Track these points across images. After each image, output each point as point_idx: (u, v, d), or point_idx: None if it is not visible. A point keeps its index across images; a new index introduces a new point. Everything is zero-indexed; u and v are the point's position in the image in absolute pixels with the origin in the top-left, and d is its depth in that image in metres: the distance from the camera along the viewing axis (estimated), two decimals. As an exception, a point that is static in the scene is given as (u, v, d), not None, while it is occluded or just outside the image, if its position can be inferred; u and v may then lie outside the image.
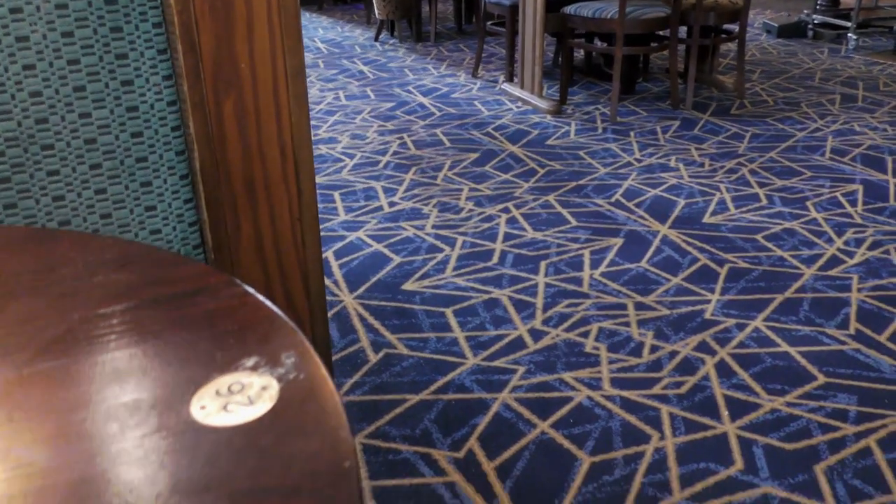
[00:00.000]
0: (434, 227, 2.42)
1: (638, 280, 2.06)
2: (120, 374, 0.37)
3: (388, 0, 5.27)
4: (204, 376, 0.37)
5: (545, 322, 1.87)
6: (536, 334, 1.82)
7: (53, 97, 1.08)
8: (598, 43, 4.19)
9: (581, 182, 2.77)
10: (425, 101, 3.91)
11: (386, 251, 2.26)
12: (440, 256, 2.22)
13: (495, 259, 2.20)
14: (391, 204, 2.61)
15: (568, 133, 3.34)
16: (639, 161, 2.98)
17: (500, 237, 2.33)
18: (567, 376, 1.66)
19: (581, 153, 3.08)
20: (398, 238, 2.34)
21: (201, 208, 1.16)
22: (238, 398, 0.35)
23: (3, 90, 1.05)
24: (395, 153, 3.12)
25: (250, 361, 0.37)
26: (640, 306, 1.94)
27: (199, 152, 1.04)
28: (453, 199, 2.64)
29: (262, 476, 0.30)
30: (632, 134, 3.30)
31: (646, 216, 2.47)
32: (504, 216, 2.48)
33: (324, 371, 0.37)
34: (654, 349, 1.76)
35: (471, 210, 2.54)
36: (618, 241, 2.29)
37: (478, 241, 2.31)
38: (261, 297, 0.43)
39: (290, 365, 0.37)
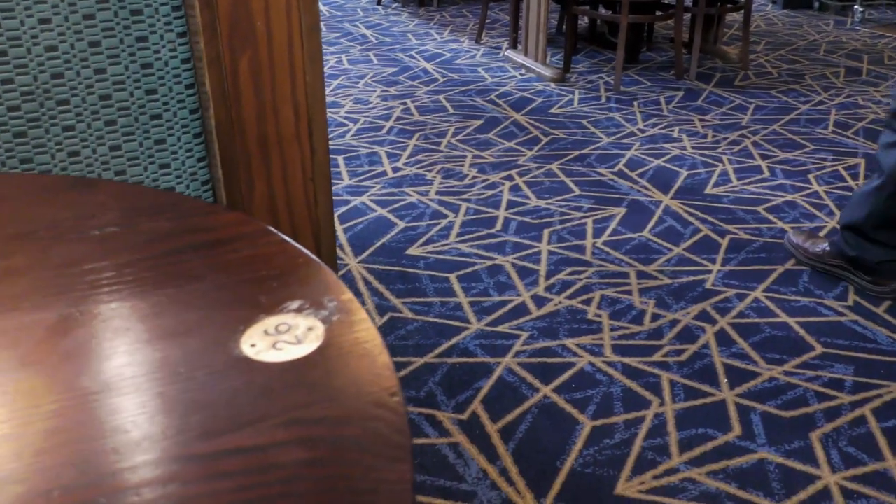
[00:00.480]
0: (438, 193, 2.42)
1: (640, 249, 2.08)
2: (169, 314, 0.39)
3: (391, -37, 5.20)
4: (251, 317, 0.38)
5: (548, 289, 1.89)
6: (539, 301, 1.84)
7: (69, 52, 1.08)
8: (602, 10, 4.16)
9: (584, 151, 2.78)
10: (428, 66, 3.89)
11: (390, 216, 2.27)
12: (444, 222, 2.23)
13: (499, 226, 2.21)
14: (395, 169, 2.61)
15: (571, 101, 3.33)
16: (642, 131, 2.98)
17: (504, 204, 2.34)
18: (569, 342, 1.69)
19: (584, 122, 3.08)
20: (402, 203, 2.35)
21: (215, 167, 1.17)
22: (286, 337, 0.36)
23: (20, 44, 1.05)
24: (398, 118, 3.11)
25: (294, 304, 0.39)
26: (641, 275, 1.96)
27: (214, 110, 1.04)
28: (457, 165, 2.64)
29: (314, 407, 0.32)
30: (635, 104, 3.30)
31: (648, 186, 2.48)
32: (507, 184, 2.49)
33: (364, 314, 0.38)
34: (655, 317, 1.78)
35: (474, 177, 2.55)
36: (620, 211, 2.31)
37: (481, 208, 2.32)
38: (298, 245, 0.44)
39: (332, 308, 0.38)
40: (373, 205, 2.34)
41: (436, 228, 2.19)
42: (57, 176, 0.52)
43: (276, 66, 1.04)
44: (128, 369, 0.35)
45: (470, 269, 1.97)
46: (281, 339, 0.36)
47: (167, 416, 0.32)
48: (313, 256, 0.43)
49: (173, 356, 0.36)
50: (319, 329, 0.37)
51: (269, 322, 0.37)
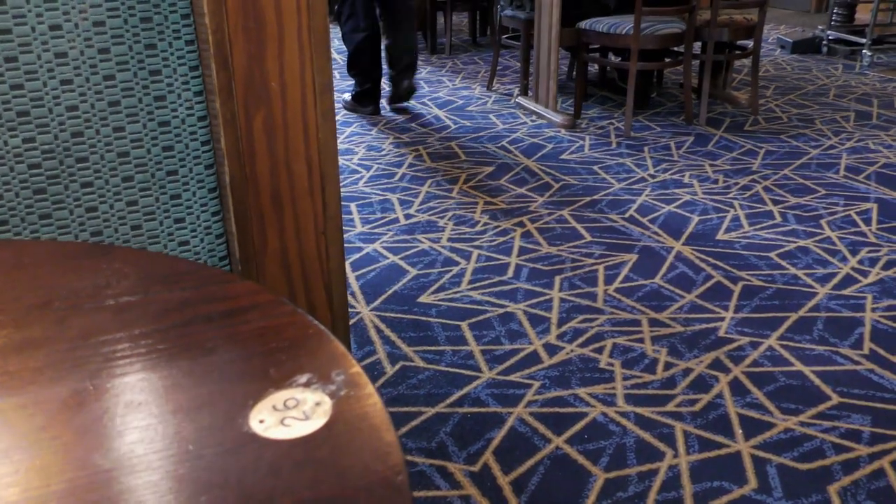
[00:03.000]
0: (449, 239, 2.44)
1: (652, 296, 2.08)
2: (181, 388, 0.40)
3: (404, 13, 5.31)
4: (260, 391, 0.39)
5: (560, 337, 1.89)
6: (551, 349, 1.84)
7: (89, 111, 1.11)
8: (612, 57, 4.22)
9: (595, 197, 2.79)
10: (440, 113, 3.94)
11: (402, 263, 2.28)
12: (455, 269, 2.24)
13: (510, 273, 2.21)
14: (407, 216, 2.63)
15: (582, 147, 3.36)
16: (653, 176, 2.99)
17: (515, 251, 2.35)
18: (582, 392, 1.68)
19: (595, 168, 3.10)
20: (414, 250, 2.36)
21: (229, 221, 1.19)
22: (294, 413, 0.37)
23: (42, 104, 1.08)
24: (410, 165, 3.15)
25: (303, 378, 0.40)
26: (654, 322, 1.95)
27: (228, 166, 1.07)
28: (468, 212, 2.66)
29: (322, 487, 0.32)
30: (646, 149, 3.32)
31: (660, 232, 2.48)
32: (519, 230, 2.50)
33: (372, 388, 0.39)
34: (668, 366, 1.77)
35: (486, 223, 2.56)
36: (632, 257, 2.31)
37: (493, 255, 2.33)
38: (308, 316, 0.45)
39: (340, 382, 0.39)
40: (385, 252, 2.36)
41: (447, 275, 2.20)
42: (73, 243, 0.53)
43: (290, 124, 1.06)
44: (139, 446, 0.36)
45: (482, 317, 1.98)
46: (289, 414, 0.37)
47: (177, 497, 0.32)
48: (323, 327, 0.44)
49: (185, 432, 0.36)
50: (327, 404, 0.38)
51: (278, 397, 0.38)
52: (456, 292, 2.11)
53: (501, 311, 2.01)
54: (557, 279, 2.17)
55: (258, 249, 1.12)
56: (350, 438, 0.35)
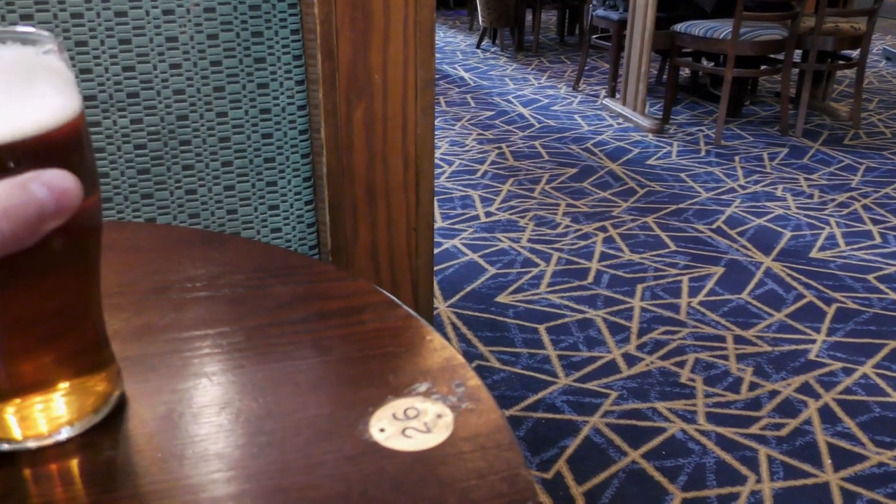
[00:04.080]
0: (530, 240, 2.41)
1: (738, 312, 2.00)
2: (299, 387, 0.39)
3: (492, 8, 5.29)
4: (380, 398, 0.37)
5: (640, 348, 1.84)
6: (630, 359, 1.79)
7: (195, 95, 1.13)
8: (704, 62, 4.09)
9: (682, 205, 2.71)
10: (525, 111, 3.90)
11: (481, 261, 2.26)
12: (535, 271, 2.21)
13: (590, 278, 2.17)
14: (488, 214, 2.61)
15: (669, 154, 3.27)
16: (743, 188, 2.89)
17: (597, 256, 2.31)
18: (661, 406, 1.63)
19: (682, 175, 3.01)
20: (494, 249, 2.34)
21: (321, 211, 1.19)
22: (415, 423, 0.36)
23: (151, 87, 1.11)
24: (493, 163, 3.13)
25: (422, 387, 0.38)
26: (739, 340, 1.88)
27: (326, 157, 1.07)
28: (550, 213, 2.63)
29: (447, 507, 0.31)
30: (736, 159, 3.21)
31: (749, 246, 2.39)
32: (601, 235, 2.45)
33: (493, 403, 0.37)
34: (753, 386, 1.70)
35: (567, 226, 2.52)
36: (718, 270, 2.23)
37: (573, 259, 2.29)
38: (424, 322, 0.44)
39: (461, 394, 0.38)
40: (465, 249, 2.34)
41: (526, 277, 2.17)
42: (186, 229, 0.54)
43: (390, 117, 1.05)
44: (257, 447, 0.35)
45: (560, 321, 1.94)
46: (410, 425, 0.35)
47: (296, 498, 0.31)
48: (439, 335, 0.43)
49: (305, 435, 0.36)
50: (448, 417, 0.36)
51: (398, 405, 0.37)
52: (534, 294, 2.08)
53: (580, 316, 1.97)
54: (639, 288, 2.12)
55: (349, 241, 1.12)
56: (474, 457, 0.34)
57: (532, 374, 1.73)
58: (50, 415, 0.36)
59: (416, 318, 0.44)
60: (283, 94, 1.16)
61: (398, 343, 0.43)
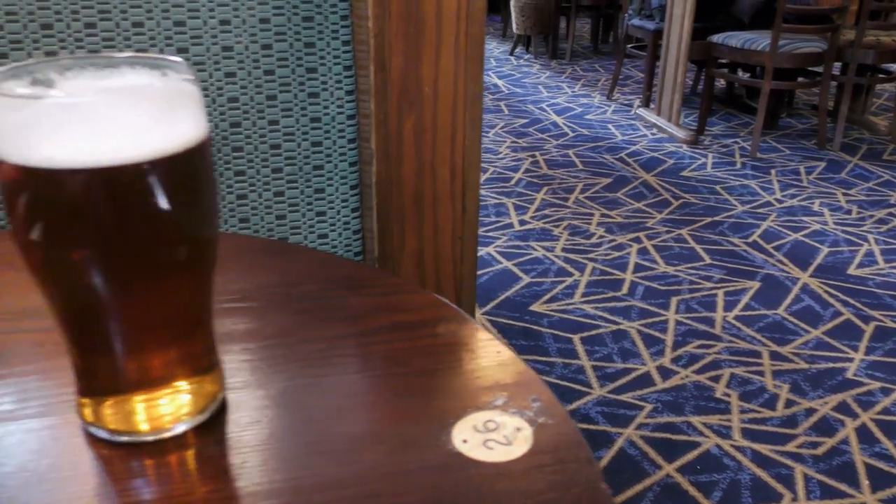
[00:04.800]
0: (564, 249, 2.41)
1: (774, 328, 1.99)
2: (382, 396, 0.40)
3: (526, 15, 5.30)
4: (459, 410, 0.39)
5: (674, 361, 1.83)
6: (665, 372, 1.79)
7: (248, 104, 1.16)
8: (741, 73, 4.06)
9: (717, 218, 2.70)
10: (559, 120, 3.91)
11: (515, 269, 2.27)
12: (569, 281, 2.21)
13: (625, 290, 2.17)
14: (521, 222, 2.62)
15: (704, 165, 3.25)
16: (779, 201, 2.86)
17: (631, 267, 2.30)
18: (695, 420, 1.63)
19: (717, 188, 3.00)
20: (528, 258, 2.35)
21: (366, 218, 1.21)
22: (495, 436, 0.37)
23: (207, 94, 1.14)
24: (526, 171, 3.14)
25: (499, 400, 0.40)
26: (775, 356, 1.87)
27: (377, 166, 1.09)
28: (584, 223, 2.63)
29: (532, 519, 0.32)
30: (773, 172, 3.18)
31: (785, 261, 2.37)
32: (635, 246, 2.45)
33: (569, 417, 0.39)
34: (789, 403, 1.69)
35: (601, 236, 2.52)
36: (754, 285, 2.22)
37: (608, 270, 2.29)
38: (493, 337, 0.45)
39: (537, 409, 0.39)
40: (499, 257, 2.36)
41: (560, 286, 2.18)
42: (257, 238, 0.56)
43: (439, 128, 1.07)
44: (344, 454, 0.37)
45: (594, 332, 1.95)
46: (491, 437, 0.37)
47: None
48: (511, 351, 0.44)
49: (390, 444, 0.37)
50: (527, 430, 0.37)
51: (478, 417, 0.38)
52: (569, 304, 2.08)
53: (615, 327, 1.97)
54: (674, 300, 2.11)
55: (396, 248, 1.14)
56: (555, 470, 0.35)
57: (567, 383, 1.73)
58: (169, 410, 0.38)
59: (486, 332, 0.45)
60: (332, 103, 1.18)
61: (470, 357, 0.44)
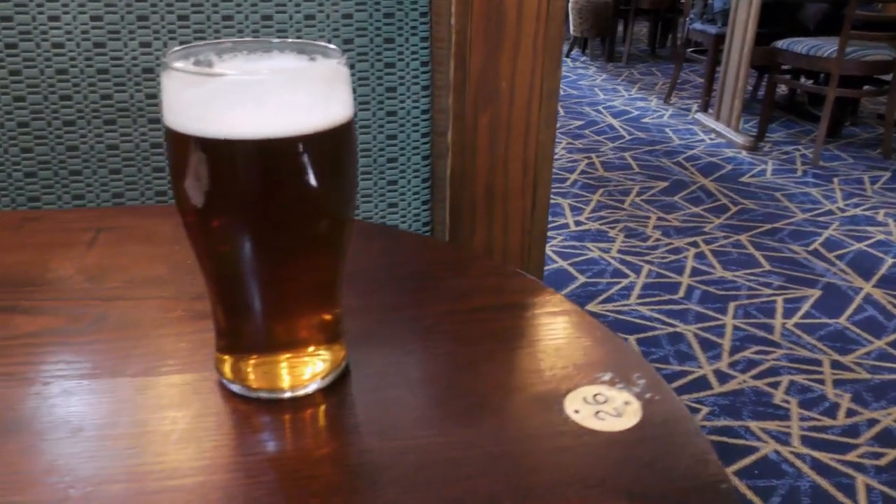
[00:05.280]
0: (620, 251, 2.41)
1: (836, 337, 1.96)
2: (494, 368, 0.43)
3: (584, 17, 5.28)
4: (568, 383, 0.41)
5: (732, 365, 1.82)
6: (722, 376, 1.78)
7: (329, 96, 1.19)
8: (803, 80, 3.99)
9: (776, 225, 2.66)
10: (615, 122, 3.89)
11: (571, 269, 2.28)
12: (625, 282, 2.21)
13: (681, 293, 2.16)
14: (577, 223, 2.63)
15: (764, 172, 3.21)
16: (842, 210, 2.81)
17: (688, 271, 2.29)
18: (753, 425, 1.62)
19: (777, 195, 2.95)
20: (583, 258, 2.36)
21: (436, 211, 1.24)
22: (606, 408, 0.39)
23: (291, 86, 1.18)
24: (582, 172, 3.14)
25: (606, 376, 0.42)
26: (836, 365, 1.84)
27: (452, 159, 1.12)
28: (640, 225, 2.62)
29: (648, 483, 0.34)
30: (835, 180, 3.12)
31: (847, 270, 2.33)
32: (692, 250, 2.44)
33: (675, 395, 0.41)
34: (850, 413, 1.67)
35: (658, 239, 2.51)
36: (815, 293, 2.19)
37: (664, 272, 2.28)
38: (593, 318, 0.47)
39: (643, 385, 0.41)
40: (555, 256, 2.37)
41: (616, 287, 2.18)
42: (362, 222, 0.58)
43: (513, 124, 1.09)
44: (467, 418, 0.39)
45: (650, 334, 1.95)
46: (601, 409, 0.39)
47: (510, 474, 0.35)
48: (611, 332, 0.46)
49: (507, 412, 0.40)
50: (635, 404, 0.39)
51: (587, 391, 0.40)
52: (624, 305, 2.08)
53: (671, 330, 1.97)
54: (731, 305, 2.10)
55: (466, 240, 1.16)
56: (666, 441, 0.37)
57: (622, 384, 1.74)
58: (307, 370, 0.41)
59: (585, 313, 0.48)
60: (409, 98, 1.21)
61: (574, 336, 0.46)
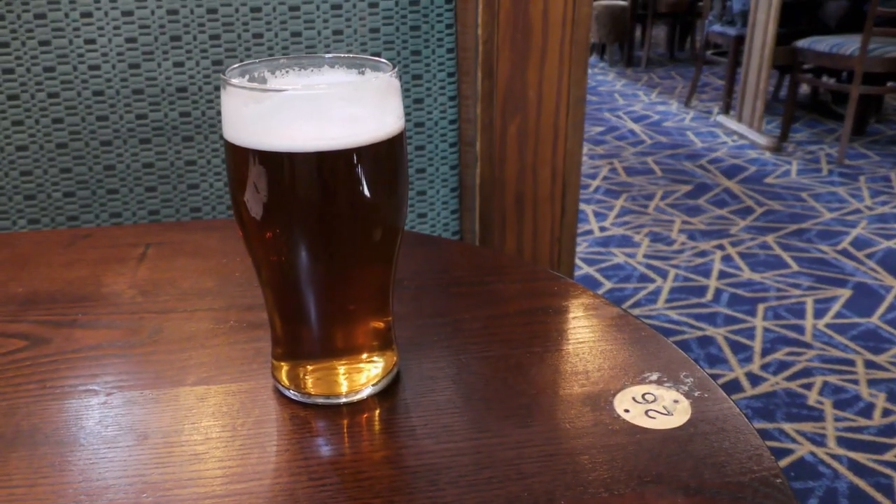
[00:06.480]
0: (645, 256, 2.41)
1: (868, 336, 1.94)
2: (543, 370, 0.44)
3: (602, 23, 5.29)
4: (617, 383, 0.42)
5: (763, 367, 1.81)
6: (754, 379, 1.77)
7: (358, 109, 1.21)
8: (825, 78, 3.96)
9: (803, 225, 2.64)
10: (636, 127, 3.89)
11: (597, 275, 2.28)
12: (651, 287, 2.21)
13: (709, 296, 2.15)
14: (602, 229, 2.63)
15: (788, 172, 3.19)
16: (870, 209, 2.78)
17: (715, 274, 2.28)
18: (787, 427, 1.60)
19: (803, 195, 2.93)
20: (609, 264, 2.36)
21: (465, 220, 1.25)
22: (655, 407, 0.40)
23: (320, 101, 1.20)
24: (605, 178, 3.14)
25: (653, 375, 0.42)
26: (870, 364, 1.82)
27: (481, 168, 1.13)
28: (665, 230, 2.61)
29: (704, 477, 0.35)
30: (861, 179, 3.09)
31: (877, 269, 2.31)
32: (719, 253, 2.42)
33: (724, 393, 0.41)
34: (886, 412, 1.65)
35: (683, 243, 2.50)
36: (845, 293, 2.17)
37: (691, 276, 2.27)
38: (639, 320, 0.48)
39: (691, 384, 0.42)
40: (580, 262, 2.37)
41: (643, 292, 2.17)
42: (409, 231, 0.60)
43: (542, 131, 1.10)
44: (519, 419, 0.40)
45: (679, 338, 1.94)
46: (651, 407, 0.40)
47: (568, 469, 0.36)
48: (655, 332, 0.47)
49: (559, 411, 0.40)
50: (685, 402, 0.40)
51: (635, 390, 0.41)
52: (652, 310, 2.08)
53: (700, 333, 1.96)
54: (761, 307, 2.08)
55: (496, 248, 1.17)
56: (718, 437, 0.38)
57: (653, 388, 1.73)
58: (363, 376, 0.42)
59: (630, 315, 0.48)
60: (436, 108, 1.23)
61: (619, 337, 0.47)
